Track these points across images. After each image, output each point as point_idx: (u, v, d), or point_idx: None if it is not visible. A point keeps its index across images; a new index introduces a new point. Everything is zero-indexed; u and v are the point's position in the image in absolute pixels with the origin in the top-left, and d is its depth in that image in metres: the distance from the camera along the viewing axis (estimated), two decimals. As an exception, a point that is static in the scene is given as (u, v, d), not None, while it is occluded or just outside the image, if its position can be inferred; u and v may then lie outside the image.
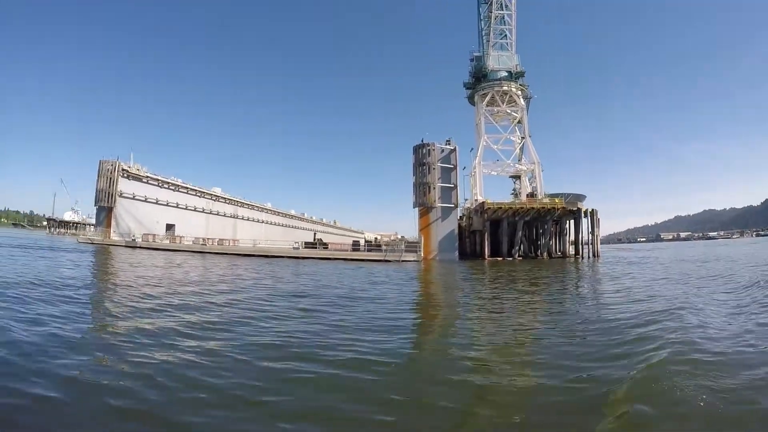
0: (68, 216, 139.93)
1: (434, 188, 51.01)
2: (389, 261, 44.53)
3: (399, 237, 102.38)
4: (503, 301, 15.30)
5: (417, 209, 52.01)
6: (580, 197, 62.71)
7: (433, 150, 51.86)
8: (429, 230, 51.02)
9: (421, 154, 52.19)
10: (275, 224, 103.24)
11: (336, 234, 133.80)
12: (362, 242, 54.79)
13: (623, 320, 10.69)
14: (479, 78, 70.00)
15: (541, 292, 18.41)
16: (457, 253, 51.48)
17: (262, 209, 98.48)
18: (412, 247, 48.25)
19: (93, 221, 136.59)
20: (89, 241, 57.62)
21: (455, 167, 53.19)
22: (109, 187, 59.77)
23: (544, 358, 7.33)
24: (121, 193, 60.29)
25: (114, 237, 59.05)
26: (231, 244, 61.95)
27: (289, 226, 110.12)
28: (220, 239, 62.96)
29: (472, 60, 72.01)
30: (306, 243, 64.14)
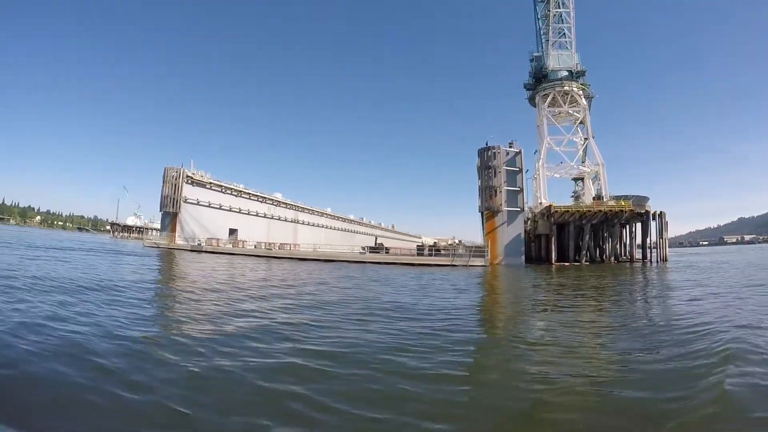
0: (131, 221, 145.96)
1: (500, 192, 49.53)
2: (456, 266, 43.50)
3: (457, 241, 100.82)
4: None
5: (482, 213, 50.70)
6: (644, 199, 59.79)
7: (498, 153, 50.38)
8: (495, 234, 49.53)
9: (486, 157, 50.82)
10: (335, 229, 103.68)
11: (394, 238, 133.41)
12: (426, 247, 53.96)
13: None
14: (539, 78, 68.03)
15: (637, 310, 16.09)
16: (523, 257, 49.78)
17: (322, 214, 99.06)
18: (479, 251, 46.97)
19: (154, 225, 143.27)
20: (155, 245, 59.22)
21: (521, 170, 51.53)
22: (174, 193, 61.23)
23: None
24: (185, 199, 61.66)
25: (179, 241, 60.41)
26: (292, 248, 62.30)
27: (347, 231, 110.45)
28: (281, 243, 63.45)
29: (531, 60, 70.09)
30: (367, 247, 64.00)
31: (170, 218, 61.93)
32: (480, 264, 44.33)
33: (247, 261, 41.17)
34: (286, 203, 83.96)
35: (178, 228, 61.29)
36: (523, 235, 50.69)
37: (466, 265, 43.43)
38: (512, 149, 51.75)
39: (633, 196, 59.56)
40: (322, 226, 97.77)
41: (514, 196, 50.47)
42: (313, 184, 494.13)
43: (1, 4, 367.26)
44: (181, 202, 61.01)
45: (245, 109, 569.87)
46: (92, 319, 9.20)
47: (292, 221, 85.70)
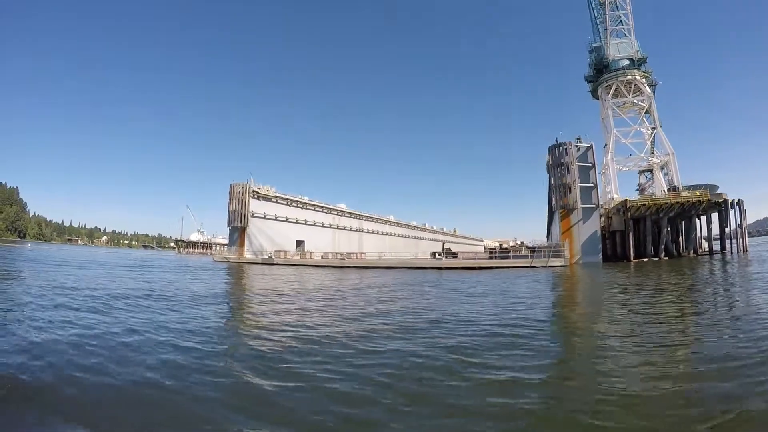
0: (194, 237, 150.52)
1: (574, 189, 47.82)
2: (536, 267, 42.22)
3: (519, 242, 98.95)
4: None
5: (549, 212, 49.26)
6: (714, 188, 56.63)
7: (570, 149, 48.74)
8: (571, 233, 47.80)
9: (557, 153, 49.16)
10: (398, 236, 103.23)
11: (458, 243, 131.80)
12: (498, 249, 52.83)
13: None
14: (600, 69, 65.56)
15: None
16: (600, 256, 47.87)
17: (386, 222, 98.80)
18: (557, 251, 45.51)
19: (217, 240, 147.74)
20: (225, 260, 60.12)
21: (593, 165, 49.53)
22: (241, 208, 62.26)
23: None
24: (252, 213, 62.60)
25: (247, 255, 61.29)
26: (358, 257, 62.36)
27: (411, 237, 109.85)
28: (347, 253, 63.62)
29: (591, 51, 67.65)
30: (434, 253, 63.31)
31: (238, 233, 62.99)
32: (560, 264, 42.86)
33: (324, 272, 41.11)
34: (350, 212, 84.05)
35: (246, 242, 62.26)
36: (599, 233, 48.78)
37: (545, 266, 42.10)
38: (583, 144, 49.95)
39: (702, 185, 56.54)
40: (386, 234, 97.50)
41: (588, 193, 48.62)
42: (375, 193, 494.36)
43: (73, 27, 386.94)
44: (249, 216, 61.95)
45: (301, 123, 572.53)
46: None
47: (356, 230, 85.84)
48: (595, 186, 49.17)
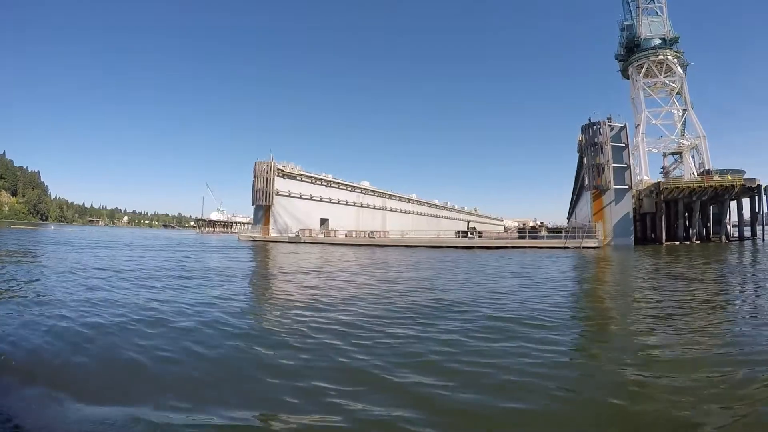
0: (214, 216, 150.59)
1: (608, 169, 46.61)
2: (569, 248, 41.41)
3: (539, 223, 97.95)
4: None
5: (589, 192, 48.03)
6: (740, 173, 55.00)
7: (604, 128, 47.35)
8: (603, 214, 46.68)
9: (590, 133, 47.83)
10: (421, 214, 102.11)
11: (479, 222, 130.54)
12: (527, 229, 51.98)
13: None
14: (631, 49, 63.64)
15: None
16: (632, 238, 46.80)
17: (408, 200, 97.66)
18: (589, 233, 44.61)
19: (238, 219, 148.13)
20: (250, 239, 59.75)
21: (626, 146, 48.07)
22: (266, 186, 61.69)
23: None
24: (277, 192, 62.04)
25: (272, 233, 60.93)
26: (382, 235, 61.73)
27: (433, 216, 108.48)
28: (371, 231, 63.05)
29: (622, 30, 65.60)
30: (458, 232, 62.58)
31: (263, 211, 62.53)
32: (593, 245, 41.99)
33: (355, 251, 40.67)
34: (374, 191, 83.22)
35: (271, 220, 61.83)
36: (631, 215, 47.67)
37: (579, 247, 41.26)
38: (617, 124, 48.60)
39: (729, 170, 54.96)
40: (409, 212, 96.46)
41: (621, 174, 47.27)
42: (396, 171, 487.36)
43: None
44: (273, 195, 61.41)
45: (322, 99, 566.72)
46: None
47: (380, 208, 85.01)
48: (629, 167, 47.80)
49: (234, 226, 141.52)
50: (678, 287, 13.47)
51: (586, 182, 48.26)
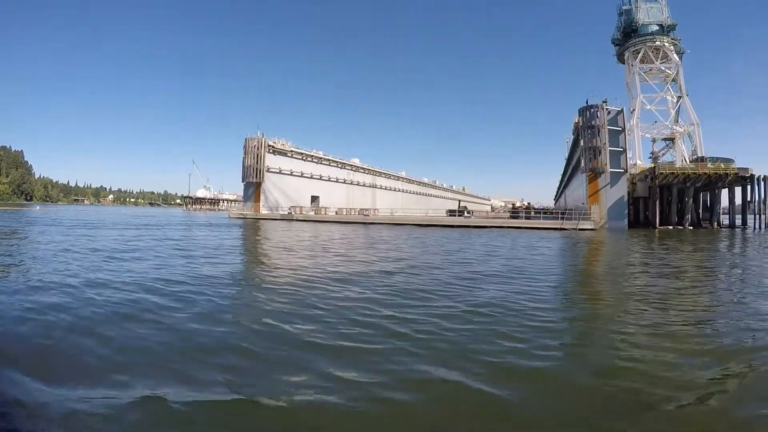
0: (201, 193, 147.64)
1: (604, 152, 46.09)
2: (565, 229, 40.97)
3: (526, 204, 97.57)
4: None
5: (584, 175, 47.56)
6: (729, 161, 54.96)
7: (601, 112, 46.70)
8: (598, 197, 46.31)
9: (587, 115, 47.21)
10: (410, 192, 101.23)
11: (468, 201, 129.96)
12: (522, 209, 51.51)
13: None
14: (628, 33, 62.83)
15: None
16: (626, 221, 46.58)
17: (398, 178, 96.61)
18: (585, 214, 44.28)
19: (224, 196, 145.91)
20: (241, 216, 58.38)
21: (623, 130, 47.46)
22: (257, 163, 60.27)
23: None
24: (268, 168, 60.66)
25: (263, 211, 59.74)
26: (373, 213, 60.83)
27: (422, 194, 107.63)
28: (361, 209, 62.05)
29: (620, 14, 64.63)
30: (449, 211, 61.94)
31: (254, 188, 61.16)
32: (589, 227, 41.61)
33: (351, 228, 39.94)
34: (364, 168, 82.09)
35: (261, 198, 60.54)
36: (626, 198, 47.34)
37: (575, 229, 40.84)
38: (614, 108, 48.04)
39: (718, 158, 54.87)
40: (399, 190, 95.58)
41: (617, 157, 46.77)
42: (386, 149, 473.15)
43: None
44: (264, 171, 60.03)
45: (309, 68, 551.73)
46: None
47: (370, 186, 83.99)
48: (624, 151, 47.29)
49: (221, 203, 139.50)
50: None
51: (582, 164, 47.74)
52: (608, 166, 45.93)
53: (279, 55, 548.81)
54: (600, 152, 46.05)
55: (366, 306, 7.04)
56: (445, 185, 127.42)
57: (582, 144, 47.62)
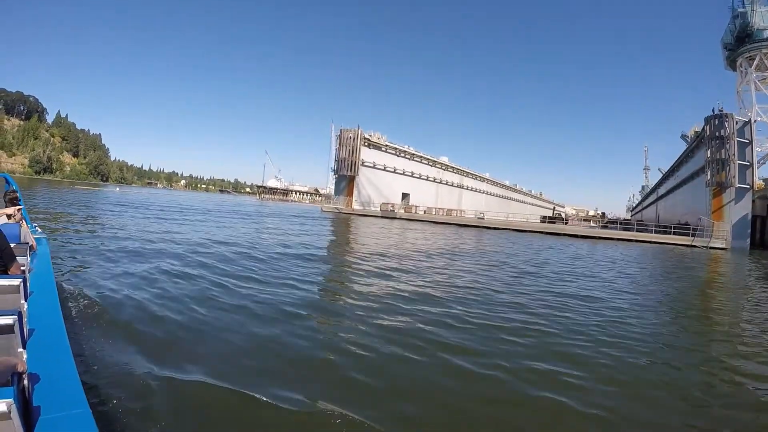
0: (272, 183, 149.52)
1: (732, 165, 42.12)
2: (696, 247, 37.68)
3: (600, 213, 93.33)
4: None
5: (709, 189, 43.85)
6: None
7: (730, 121, 42.61)
8: (721, 213, 42.55)
9: (714, 125, 43.27)
10: (493, 195, 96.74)
11: (544, 207, 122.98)
12: (619, 221, 48.23)
13: None
14: (742, 38, 57.61)
15: None
16: (749, 240, 42.60)
17: (483, 179, 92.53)
18: (709, 231, 40.83)
19: (295, 188, 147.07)
20: (335, 210, 56.58)
21: (751, 142, 43.30)
22: (351, 155, 58.52)
23: None
24: (362, 162, 58.90)
25: (355, 206, 58.00)
26: (458, 214, 58.46)
27: (504, 197, 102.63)
28: (448, 209, 59.79)
29: (735, 17, 59.23)
30: (544, 218, 59.07)
31: (346, 182, 59.52)
32: (720, 246, 38.11)
33: (464, 231, 37.99)
34: (452, 167, 78.70)
35: (354, 192, 58.83)
36: (749, 216, 43.31)
37: (706, 247, 37.45)
38: (741, 118, 43.88)
39: None
40: (483, 192, 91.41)
41: (743, 171, 42.78)
42: (473, 147, 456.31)
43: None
44: (359, 165, 58.25)
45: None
46: None
47: (457, 186, 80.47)
48: (751, 165, 43.18)
49: (291, 194, 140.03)
50: None
51: (708, 177, 43.84)
52: (736, 180, 42.01)
53: (359, 50, 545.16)
54: (728, 165, 42.16)
55: None
56: (524, 189, 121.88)
57: (709, 155, 43.65)
